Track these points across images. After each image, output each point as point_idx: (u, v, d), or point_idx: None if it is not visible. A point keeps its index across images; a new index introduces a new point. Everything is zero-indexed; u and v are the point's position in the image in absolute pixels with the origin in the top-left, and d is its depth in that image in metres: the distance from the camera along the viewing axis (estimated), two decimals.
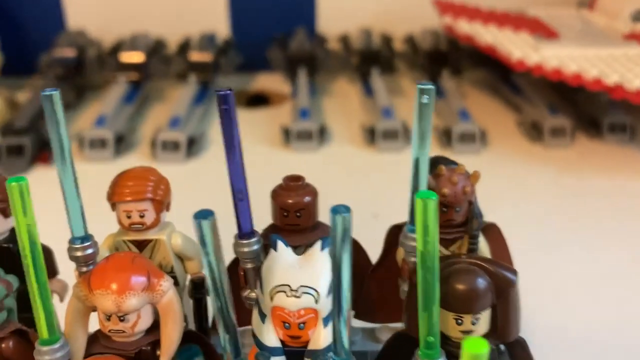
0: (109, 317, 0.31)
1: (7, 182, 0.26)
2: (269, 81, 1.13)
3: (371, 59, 1.03)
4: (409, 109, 0.97)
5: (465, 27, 0.95)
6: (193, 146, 0.87)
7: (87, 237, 0.34)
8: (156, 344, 0.32)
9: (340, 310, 0.26)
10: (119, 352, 0.31)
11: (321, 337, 0.31)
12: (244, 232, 0.33)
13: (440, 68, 1.01)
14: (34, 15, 1.11)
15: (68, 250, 0.34)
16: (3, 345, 0.32)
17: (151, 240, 0.36)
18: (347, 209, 0.24)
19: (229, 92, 0.30)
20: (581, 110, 0.93)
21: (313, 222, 0.36)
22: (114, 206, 0.36)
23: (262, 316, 0.31)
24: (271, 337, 0.31)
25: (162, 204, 0.36)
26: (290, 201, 0.35)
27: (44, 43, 1.06)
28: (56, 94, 0.30)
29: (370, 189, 0.80)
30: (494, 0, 1.08)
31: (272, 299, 0.30)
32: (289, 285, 0.30)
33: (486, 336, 0.31)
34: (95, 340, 0.32)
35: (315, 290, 0.30)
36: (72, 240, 0.34)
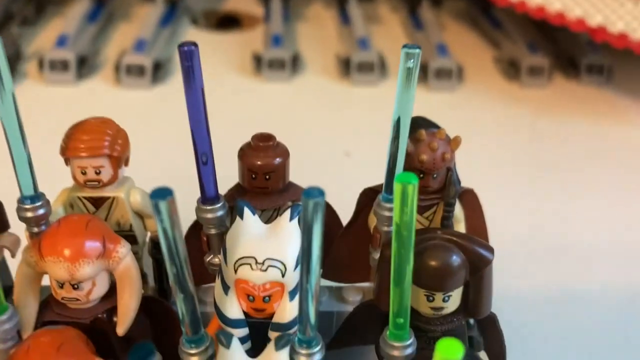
0: (61, 285, 0.29)
1: None
2: (241, 1, 1.08)
3: None
4: (386, 39, 0.94)
5: None
6: (159, 71, 0.83)
7: (37, 197, 0.31)
8: (112, 311, 0.31)
9: (308, 292, 0.24)
10: (74, 320, 0.30)
11: (286, 311, 0.29)
12: (208, 197, 0.31)
13: None
14: None
15: (17, 210, 0.32)
16: None
17: (108, 197, 0.34)
18: (320, 193, 0.22)
19: (193, 48, 0.27)
20: (560, 49, 0.91)
21: (283, 185, 0.34)
22: (67, 161, 0.33)
23: (225, 287, 0.29)
24: (234, 309, 0.29)
25: (119, 160, 0.33)
26: (259, 162, 0.32)
27: None
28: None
29: (343, 124, 0.78)
30: None
31: (236, 271, 0.29)
32: (254, 258, 0.28)
33: (457, 312, 0.30)
34: (48, 307, 0.31)
35: (282, 264, 0.29)
36: (21, 200, 0.31)
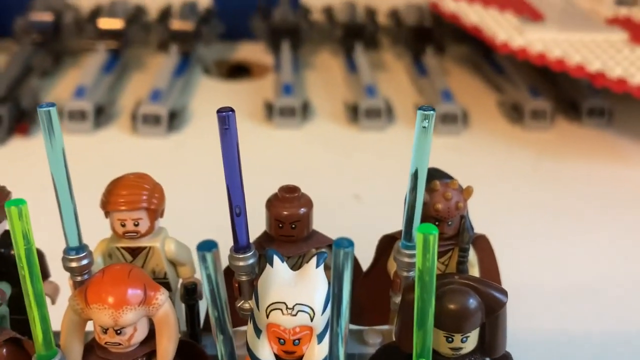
0: (105, 330, 0.31)
1: (6, 205, 0.26)
2: (251, 51, 1.12)
3: (355, 33, 1.02)
4: (392, 86, 0.98)
5: (450, 5, 0.95)
6: (174, 119, 0.86)
7: (82, 248, 0.34)
8: (151, 355, 0.33)
9: (338, 335, 0.26)
10: None
11: (315, 353, 0.31)
12: (240, 246, 0.33)
13: (424, 45, 1.00)
14: None
15: (63, 260, 0.34)
16: None
17: (145, 247, 0.36)
18: (350, 243, 0.24)
19: (230, 113, 0.30)
20: (561, 93, 0.94)
21: (307, 233, 0.36)
22: (107, 214, 0.36)
23: (257, 331, 0.31)
24: (266, 351, 0.31)
25: (156, 212, 0.36)
26: (285, 213, 0.35)
27: (18, 6, 1.03)
28: (54, 110, 0.30)
29: (353, 168, 0.81)
30: None
31: (267, 315, 0.31)
32: (284, 303, 0.31)
33: (474, 351, 0.32)
34: (91, 350, 0.32)
35: (311, 308, 0.31)
36: (66, 251, 0.33)
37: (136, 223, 0.35)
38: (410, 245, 0.33)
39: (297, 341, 0.31)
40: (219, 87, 1.01)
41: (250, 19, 1.08)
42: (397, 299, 0.35)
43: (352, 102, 0.90)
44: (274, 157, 0.83)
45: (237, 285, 0.34)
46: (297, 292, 0.31)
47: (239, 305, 0.35)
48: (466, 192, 0.36)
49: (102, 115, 0.86)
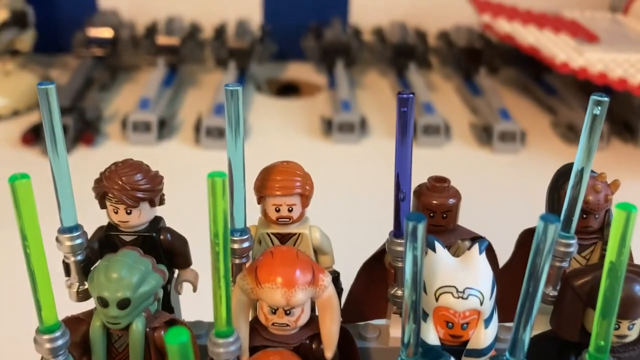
0: (274, 311, 0.31)
1: (208, 175, 0.27)
2: (300, 70, 1.13)
3: (407, 54, 1.04)
4: (444, 105, 0.99)
5: (505, 26, 0.96)
6: None
7: (244, 230, 0.34)
8: (314, 338, 0.33)
9: (529, 317, 0.27)
10: (281, 344, 0.32)
11: (481, 338, 0.31)
12: (402, 231, 0.33)
13: (475, 65, 1.02)
14: None
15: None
16: (156, 334, 0.33)
17: (294, 234, 0.36)
18: (556, 219, 0.25)
19: (411, 95, 0.30)
20: (614, 114, 0.94)
21: (454, 224, 0.37)
22: (261, 199, 0.36)
23: (424, 315, 0.32)
24: (431, 335, 0.32)
25: (308, 198, 0.36)
26: (437, 202, 0.35)
27: (75, 22, 1.05)
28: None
29: (413, 182, 0.81)
30: (529, 1, 1.09)
31: (437, 299, 0.31)
32: (455, 287, 0.31)
33: (637, 341, 0.32)
34: (255, 331, 0.33)
35: (481, 292, 0.31)
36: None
37: (290, 209, 0.36)
38: (568, 236, 0.34)
39: (465, 325, 0.31)
40: (273, 104, 1.02)
41: (300, 40, 1.10)
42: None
43: None
44: (334, 171, 0.84)
45: (393, 271, 0.35)
46: (466, 276, 0.31)
47: (392, 292, 0.35)
48: (613, 185, 0.36)
49: (165, 127, 0.87)
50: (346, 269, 0.40)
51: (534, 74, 1.04)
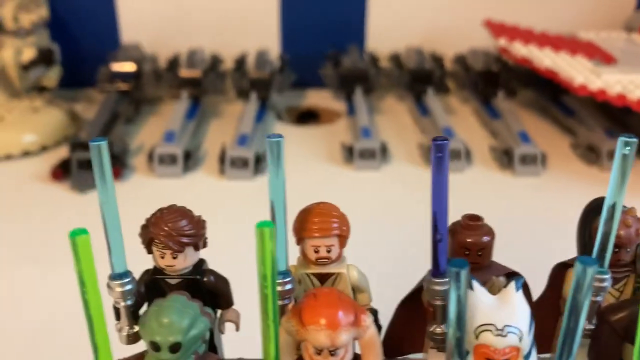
0: (319, 352, 0.32)
1: (257, 225, 0.28)
2: (318, 98, 1.15)
3: (424, 79, 1.05)
4: (465, 129, 1.00)
5: (521, 50, 0.98)
6: (259, 163, 0.88)
7: (287, 273, 0.35)
8: None
9: (570, 353, 0.28)
10: None
11: None
12: (440, 271, 0.34)
13: (493, 89, 1.03)
14: (89, 29, 1.12)
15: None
16: None
17: (333, 273, 0.38)
18: (593, 261, 0.25)
19: (446, 142, 0.32)
20: (635, 134, 0.95)
21: (488, 262, 0.38)
22: (300, 240, 0.37)
23: (463, 354, 0.33)
24: None
25: (345, 239, 0.37)
26: (472, 240, 0.36)
27: (98, 56, 1.07)
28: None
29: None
30: (541, 23, 1.11)
31: (477, 337, 0.32)
32: (494, 325, 0.32)
33: None
34: None
35: (519, 330, 0.32)
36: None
37: (328, 249, 0.37)
38: (602, 271, 0.35)
39: None
40: (294, 132, 1.03)
41: (318, 67, 1.12)
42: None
43: (428, 144, 0.92)
44: (356, 198, 0.85)
45: (431, 309, 0.36)
46: (504, 314, 0.32)
47: (431, 329, 0.36)
48: None
49: (190, 159, 0.89)
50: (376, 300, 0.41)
51: (551, 95, 1.05)
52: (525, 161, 0.88)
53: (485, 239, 0.37)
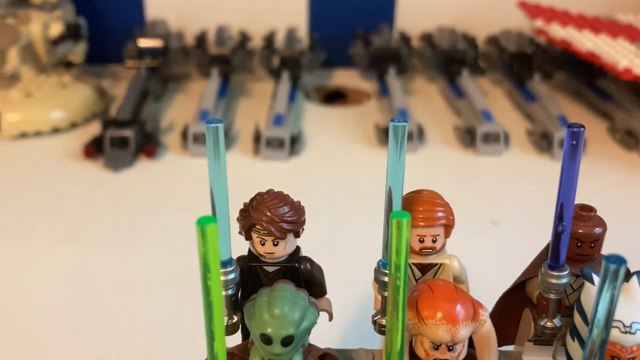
0: (437, 347, 0.31)
1: (392, 216, 0.26)
2: (347, 77, 1.13)
3: (458, 60, 1.03)
4: (500, 112, 0.98)
5: (560, 31, 0.96)
6: (295, 143, 0.87)
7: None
8: None
9: None
10: None
11: None
12: (560, 263, 0.33)
13: (528, 71, 1.01)
14: (114, 4, 1.09)
15: (376, 272, 0.34)
16: None
17: (436, 264, 0.36)
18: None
19: (582, 129, 0.30)
20: None
21: (599, 254, 0.36)
22: None
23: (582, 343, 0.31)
24: None
25: (451, 228, 0.36)
26: (584, 232, 0.35)
27: (124, 32, 1.05)
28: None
29: (478, 193, 0.80)
30: (576, 5, 1.09)
31: None
32: (621, 322, 0.30)
33: None
34: None
35: None
36: (381, 264, 0.34)
37: (434, 239, 0.35)
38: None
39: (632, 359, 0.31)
40: (324, 112, 1.01)
41: (347, 46, 1.09)
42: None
43: (466, 126, 0.91)
44: None
45: (545, 303, 0.34)
46: (630, 310, 0.31)
47: (542, 323, 0.35)
48: None
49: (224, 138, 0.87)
50: None
51: (586, 78, 1.03)
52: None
53: (598, 230, 0.35)
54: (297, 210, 0.35)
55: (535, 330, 0.35)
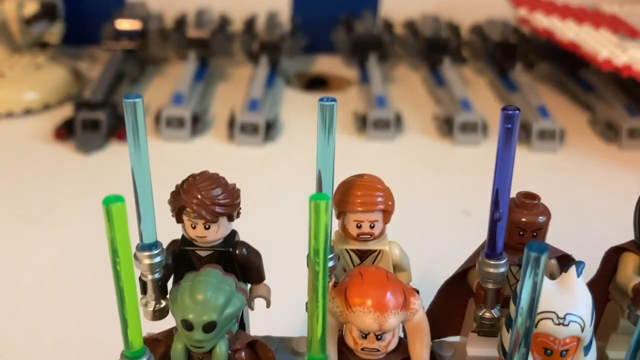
0: (365, 335, 0.30)
1: (311, 198, 0.25)
2: (329, 64, 1.11)
3: (441, 48, 1.02)
4: (480, 101, 0.97)
5: (543, 21, 0.94)
6: (270, 130, 0.85)
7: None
8: None
9: None
10: None
11: None
12: (497, 252, 0.32)
13: (511, 60, 1.00)
14: None
15: (307, 258, 0.33)
16: (237, 356, 0.32)
17: (375, 250, 0.35)
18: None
19: (517, 111, 0.29)
20: None
21: (543, 242, 0.35)
22: (340, 214, 0.35)
23: None
24: None
25: (390, 214, 0.35)
26: (527, 220, 0.34)
27: (102, 13, 1.03)
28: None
29: (454, 182, 0.80)
30: None
31: (536, 325, 0.30)
32: (555, 313, 0.29)
33: None
34: (342, 355, 0.31)
35: (582, 319, 0.30)
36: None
37: (372, 225, 0.34)
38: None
39: (564, 352, 0.30)
40: (303, 99, 1.00)
41: (329, 32, 1.08)
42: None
43: (444, 115, 0.90)
44: (370, 169, 0.82)
45: (483, 292, 0.33)
46: (564, 301, 0.30)
47: (480, 314, 0.34)
48: None
49: (198, 122, 0.86)
50: None
51: (569, 69, 1.02)
52: (544, 137, 0.86)
53: (542, 219, 0.34)
54: (231, 192, 0.33)
55: (474, 320, 0.34)
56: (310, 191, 0.79)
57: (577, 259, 0.36)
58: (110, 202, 0.25)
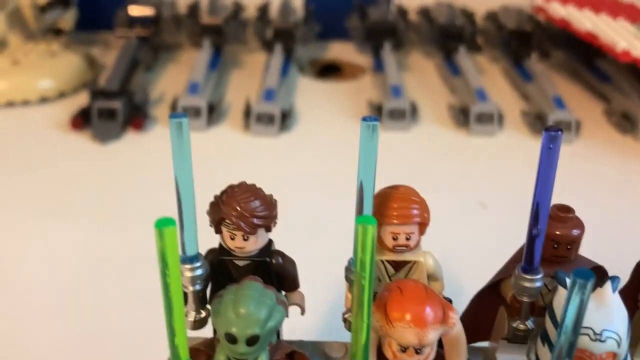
0: (404, 349, 0.30)
1: (357, 221, 0.25)
2: (342, 51, 1.11)
3: (456, 35, 1.01)
4: (495, 90, 0.96)
5: (560, 10, 0.94)
6: (286, 119, 0.85)
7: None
8: None
9: None
10: None
11: None
12: (534, 267, 0.32)
13: (526, 49, 0.99)
14: None
15: (346, 270, 0.34)
16: None
17: (409, 261, 0.35)
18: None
19: (559, 132, 0.29)
20: None
21: (576, 256, 0.35)
22: (378, 226, 0.35)
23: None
24: None
25: (426, 226, 0.35)
26: (561, 233, 0.34)
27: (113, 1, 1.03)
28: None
29: (470, 174, 0.79)
30: None
31: None
32: (591, 329, 0.30)
33: None
34: None
35: (618, 335, 0.30)
36: (351, 262, 0.33)
37: (408, 237, 0.34)
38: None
39: None
40: (318, 87, 1.00)
41: (344, 19, 1.07)
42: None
43: (460, 105, 0.90)
44: (387, 159, 0.82)
45: (516, 305, 0.34)
46: (601, 317, 0.30)
47: (514, 325, 0.34)
48: None
49: (214, 112, 0.86)
50: None
51: (585, 58, 1.01)
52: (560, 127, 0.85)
53: (576, 232, 0.34)
54: (269, 204, 0.34)
55: (508, 331, 0.35)
56: (328, 182, 0.79)
57: (593, 250, 0.37)
58: (162, 225, 0.25)
